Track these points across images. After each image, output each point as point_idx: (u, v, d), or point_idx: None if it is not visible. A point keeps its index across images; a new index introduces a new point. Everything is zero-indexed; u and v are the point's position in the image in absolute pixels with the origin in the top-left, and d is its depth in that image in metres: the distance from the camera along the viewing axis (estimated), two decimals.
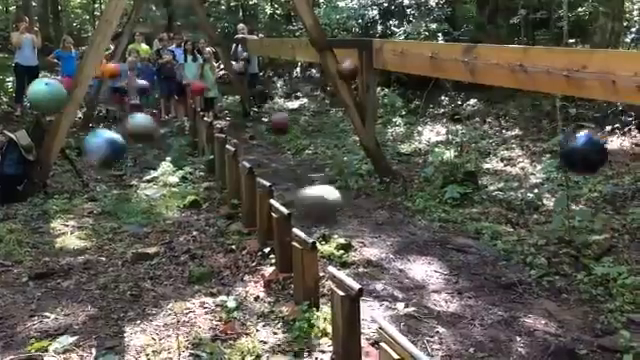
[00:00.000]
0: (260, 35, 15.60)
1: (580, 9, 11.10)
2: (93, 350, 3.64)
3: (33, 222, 6.03)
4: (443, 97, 11.84)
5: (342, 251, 5.10)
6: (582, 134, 4.79)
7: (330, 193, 4.89)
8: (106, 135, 4.77)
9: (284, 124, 9.69)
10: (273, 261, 4.79)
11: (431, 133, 10.21)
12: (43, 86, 6.50)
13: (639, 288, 4.34)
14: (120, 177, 7.94)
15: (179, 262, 5.02)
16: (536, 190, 6.75)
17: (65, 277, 4.75)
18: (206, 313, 4.12)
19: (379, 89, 11.58)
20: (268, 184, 5.10)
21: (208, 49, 12.45)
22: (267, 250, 4.96)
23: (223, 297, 4.30)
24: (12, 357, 3.51)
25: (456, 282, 4.66)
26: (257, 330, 3.86)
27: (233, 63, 12.75)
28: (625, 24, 10.99)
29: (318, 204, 4.76)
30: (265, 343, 3.69)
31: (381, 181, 7.33)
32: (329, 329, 3.63)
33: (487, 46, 5.88)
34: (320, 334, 3.71)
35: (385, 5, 13.50)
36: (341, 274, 3.44)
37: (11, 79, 13.05)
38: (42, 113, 7.41)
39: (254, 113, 12.59)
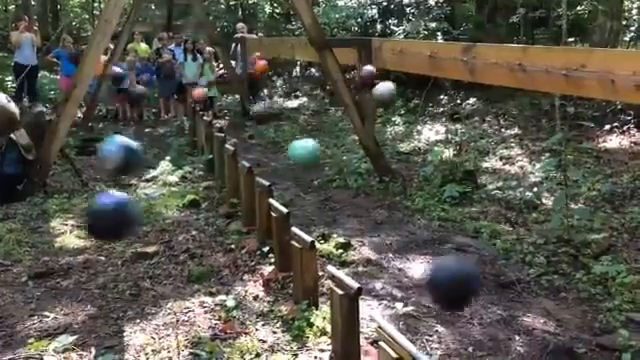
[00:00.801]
0: (259, 34, 15.61)
1: (579, 8, 11.11)
2: (92, 349, 3.64)
3: (32, 221, 6.03)
4: (442, 96, 11.85)
5: (341, 250, 5.11)
6: None
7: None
8: (121, 142, 4.72)
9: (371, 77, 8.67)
10: (272, 260, 4.80)
11: (430, 132, 10.22)
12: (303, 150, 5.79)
13: (638, 287, 4.36)
14: (119, 176, 7.93)
15: (178, 261, 5.02)
16: (535, 189, 6.76)
17: (64, 276, 4.75)
18: (205, 312, 4.13)
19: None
20: (267, 183, 5.10)
21: (208, 48, 12.44)
22: (266, 249, 4.97)
23: (222, 296, 4.30)
24: (11, 356, 3.52)
25: None
26: (256, 329, 3.86)
27: (232, 62, 12.75)
28: (624, 23, 10.99)
29: None
30: (264, 342, 3.69)
31: (380, 180, 7.33)
32: (328, 328, 3.63)
33: (486, 45, 5.89)
34: (319, 333, 3.72)
35: (384, 4, 13.51)
36: (340, 273, 3.44)
37: (10, 78, 13.04)
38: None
39: (253, 113, 12.58)
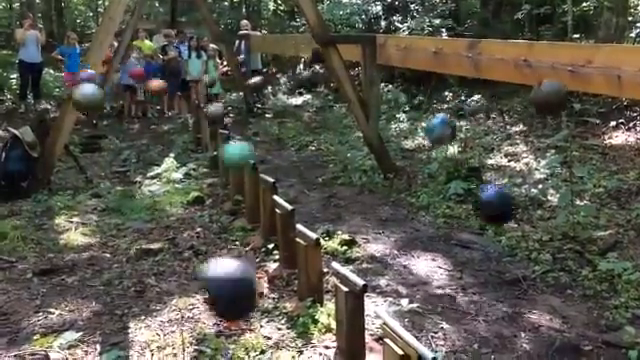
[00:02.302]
0: (263, 31, 15.59)
1: (584, 4, 11.04)
2: (97, 346, 3.65)
3: (37, 218, 6.04)
4: (447, 93, 11.81)
5: (346, 247, 5.10)
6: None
7: None
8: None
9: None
10: (277, 257, 4.80)
11: None
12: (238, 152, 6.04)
13: None
14: (124, 173, 7.95)
15: (183, 258, 5.03)
16: (540, 186, 6.73)
17: (69, 273, 4.76)
18: (210, 309, 4.12)
19: (383, 85, 11.56)
20: (271, 180, 5.10)
21: (212, 46, 12.44)
22: (271, 246, 4.97)
23: None
24: (17, 353, 3.53)
25: (460, 278, 4.65)
26: (261, 326, 3.86)
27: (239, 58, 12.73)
28: (630, 19, 10.92)
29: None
30: (269, 339, 3.69)
31: (385, 177, 7.32)
32: (333, 325, 3.63)
33: (491, 41, 5.86)
34: (324, 330, 3.71)
35: (389, 1, 13.47)
36: (345, 270, 3.44)
37: (15, 76, 13.07)
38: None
39: (257, 109, 12.58)
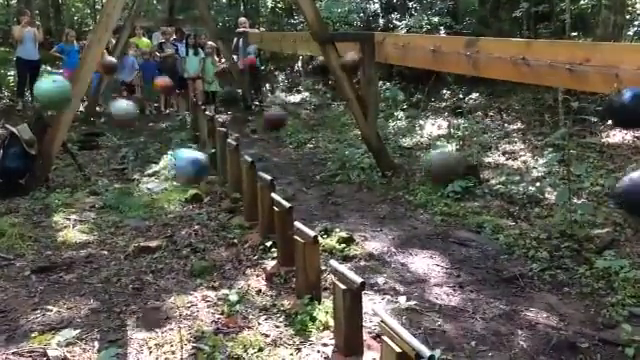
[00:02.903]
0: (261, 29, 15.56)
1: (582, 2, 11.06)
2: (96, 343, 3.65)
3: (35, 216, 6.04)
4: (445, 91, 11.81)
5: (344, 245, 5.10)
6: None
7: None
8: (190, 156, 5.07)
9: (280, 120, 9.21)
10: (275, 255, 4.80)
11: (433, 127, 10.19)
12: (51, 84, 6.43)
13: None
14: (122, 171, 7.94)
15: (181, 256, 5.03)
16: (538, 184, 6.73)
17: (67, 271, 4.76)
18: (208, 306, 4.13)
19: (381, 83, 11.55)
20: (269, 178, 5.10)
21: (210, 43, 12.42)
22: (269, 244, 4.97)
23: (225, 290, 4.31)
24: (15, 350, 3.53)
25: (458, 276, 4.66)
26: (259, 323, 3.87)
27: (234, 57, 12.73)
28: (628, 17, 10.93)
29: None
30: (267, 336, 3.70)
31: (383, 175, 7.33)
32: (331, 322, 3.64)
33: (489, 39, 5.86)
34: (322, 327, 3.72)
35: None
36: (343, 268, 3.44)
37: (12, 73, 13.04)
38: (46, 109, 7.41)
39: (256, 107, 12.58)
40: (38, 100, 5.90)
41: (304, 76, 15.51)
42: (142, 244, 5.18)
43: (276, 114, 10.72)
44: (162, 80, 11.29)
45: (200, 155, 5.03)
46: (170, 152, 5.39)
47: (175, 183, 6.99)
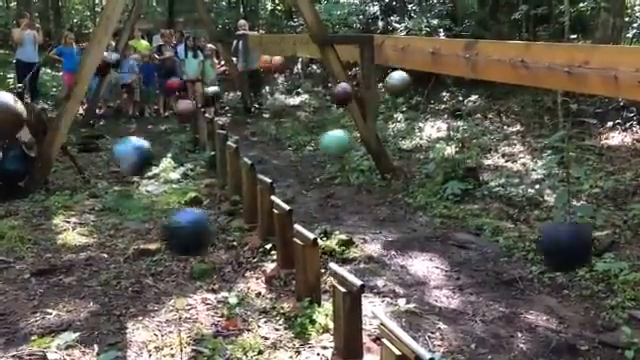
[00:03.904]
0: (261, 31, 15.58)
1: (581, 4, 11.07)
2: (95, 346, 3.65)
3: (35, 218, 6.03)
4: (444, 93, 11.82)
5: (343, 247, 5.10)
6: None
7: None
8: (133, 142, 4.91)
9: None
10: (274, 257, 4.80)
11: (432, 129, 10.20)
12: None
13: None
14: (121, 173, 7.93)
15: (180, 258, 5.01)
16: (537, 186, 6.74)
17: (67, 273, 4.75)
18: (208, 309, 4.13)
19: (380, 85, 11.56)
20: (269, 180, 5.10)
21: (209, 46, 12.42)
22: (268, 246, 4.97)
23: (225, 293, 4.31)
24: (14, 353, 3.52)
25: (457, 278, 4.66)
26: (259, 326, 3.86)
27: (233, 59, 12.74)
28: (627, 19, 10.95)
29: None
30: (267, 339, 3.69)
31: (382, 177, 7.33)
32: (330, 325, 3.64)
33: (488, 42, 5.88)
34: (321, 330, 3.72)
35: (386, 1, 13.47)
36: (342, 270, 3.44)
37: (12, 75, 13.03)
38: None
39: (255, 109, 12.58)
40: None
41: (303, 78, 15.52)
42: (142, 247, 5.17)
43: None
44: (176, 82, 11.39)
45: (144, 142, 4.97)
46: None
47: (175, 186, 7.00)
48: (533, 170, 7.55)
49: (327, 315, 3.77)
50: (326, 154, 5.95)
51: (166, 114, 12.37)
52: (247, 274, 4.70)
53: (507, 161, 8.16)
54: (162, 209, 6.28)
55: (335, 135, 6.73)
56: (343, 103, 7.35)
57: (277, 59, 13.13)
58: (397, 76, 7.12)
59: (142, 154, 4.84)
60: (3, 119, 6.09)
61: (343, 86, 7.04)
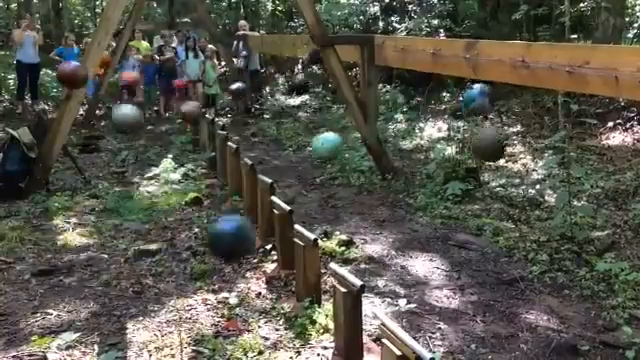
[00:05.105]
0: (261, 32, 15.58)
1: (582, 5, 11.05)
2: (95, 346, 3.65)
3: (35, 219, 6.04)
4: (445, 93, 11.82)
5: (344, 248, 5.10)
6: None
7: None
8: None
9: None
10: (275, 258, 4.80)
11: (433, 129, 10.19)
12: None
13: None
14: (122, 174, 7.94)
15: (181, 259, 5.02)
16: (538, 186, 6.74)
17: (67, 274, 4.75)
18: (208, 310, 4.13)
19: (381, 85, 11.56)
20: (270, 181, 5.10)
21: (210, 46, 12.43)
22: (269, 247, 4.97)
23: (225, 294, 4.31)
24: (15, 354, 3.52)
25: (458, 278, 4.66)
26: (259, 326, 3.86)
27: (234, 60, 12.75)
28: (627, 19, 10.94)
29: None
30: (267, 339, 3.69)
31: (383, 177, 7.32)
32: (331, 325, 3.63)
33: (489, 42, 5.87)
34: (322, 330, 3.72)
35: (387, 1, 13.48)
36: (343, 271, 3.44)
37: (13, 77, 13.05)
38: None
39: (255, 110, 12.58)
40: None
41: (304, 78, 15.51)
42: (142, 247, 5.17)
43: None
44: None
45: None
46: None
47: (176, 186, 7.00)
48: (534, 170, 7.55)
49: (327, 315, 3.77)
50: (318, 157, 5.77)
51: (167, 115, 12.37)
52: (247, 274, 4.70)
53: (508, 161, 8.15)
54: (162, 210, 6.28)
55: (326, 138, 6.48)
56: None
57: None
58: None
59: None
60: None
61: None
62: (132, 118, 6.01)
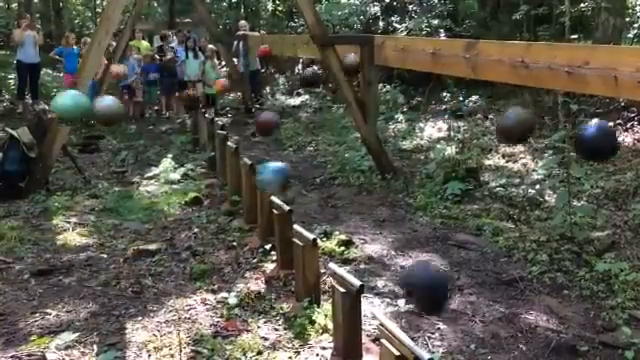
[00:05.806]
0: (262, 32, 15.57)
1: (582, 5, 11.05)
2: (95, 346, 3.65)
3: (35, 219, 6.04)
4: (445, 93, 11.81)
5: (343, 248, 5.10)
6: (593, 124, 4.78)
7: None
8: (271, 167, 5.18)
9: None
10: (274, 258, 4.80)
11: (433, 129, 10.19)
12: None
13: None
14: (121, 174, 7.94)
15: (180, 259, 5.03)
16: (538, 186, 6.74)
17: (67, 274, 4.76)
18: (207, 310, 4.13)
19: (381, 85, 11.55)
20: None
21: (210, 46, 12.43)
22: (268, 247, 4.97)
23: (224, 294, 4.31)
24: (14, 353, 3.52)
25: (457, 278, 4.65)
26: (258, 327, 3.86)
27: (234, 60, 12.74)
28: (627, 19, 10.93)
29: None
30: (266, 339, 3.69)
31: (383, 177, 7.32)
32: (330, 325, 3.63)
33: (489, 42, 5.87)
34: (321, 330, 3.72)
35: (387, 1, 13.47)
36: (342, 271, 3.44)
37: (13, 76, 13.05)
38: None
39: (256, 110, 12.57)
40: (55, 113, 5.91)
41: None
42: (141, 247, 5.17)
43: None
44: (221, 82, 11.56)
45: (280, 164, 5.25)
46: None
47: (176, 186, 7.01)
48: (534, 170, 7.54)
49: (326, 315, 3.77)
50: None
51: (167, 115, 12.38)
52: (247, 274, 4.70)
53: (508, 161, 8.15)
54: (162, 210, 6.28)
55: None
56: (266, 134, 7.40)
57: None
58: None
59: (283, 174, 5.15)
60: None
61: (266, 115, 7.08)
62: (115, 109, 5.99)
